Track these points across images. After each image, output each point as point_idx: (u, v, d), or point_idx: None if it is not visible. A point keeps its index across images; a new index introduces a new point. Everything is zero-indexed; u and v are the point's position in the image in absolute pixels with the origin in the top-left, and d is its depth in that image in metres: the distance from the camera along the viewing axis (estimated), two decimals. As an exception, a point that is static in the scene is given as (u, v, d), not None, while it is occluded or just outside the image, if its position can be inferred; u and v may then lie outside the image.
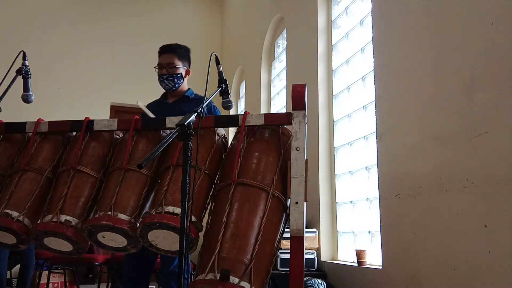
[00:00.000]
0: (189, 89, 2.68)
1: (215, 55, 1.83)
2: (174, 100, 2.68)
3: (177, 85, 2.57)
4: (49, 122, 1.99)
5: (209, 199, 1.78)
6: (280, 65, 5.45)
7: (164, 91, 2.68)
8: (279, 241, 1.65)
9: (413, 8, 2.78)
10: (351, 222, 3.54)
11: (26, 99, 2.16)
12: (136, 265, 2.42)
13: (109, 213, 1.70)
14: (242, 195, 1.63)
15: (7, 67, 2.07)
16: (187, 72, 2.63)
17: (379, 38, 3.12)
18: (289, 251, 1.61)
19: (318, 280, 3.26)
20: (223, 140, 1.90)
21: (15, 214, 1.79)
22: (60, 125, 1.98)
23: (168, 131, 1.94)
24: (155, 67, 2.60)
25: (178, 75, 2.56)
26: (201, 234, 1.68)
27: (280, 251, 3.35)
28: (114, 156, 1.92)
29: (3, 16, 6.67)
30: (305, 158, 1.67)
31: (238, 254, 1.52)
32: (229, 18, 7.58)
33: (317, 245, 3.63)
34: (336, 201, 3.75)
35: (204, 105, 1.68)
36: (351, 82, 3.74)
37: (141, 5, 7.45)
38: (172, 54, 2.57)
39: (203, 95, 1.68)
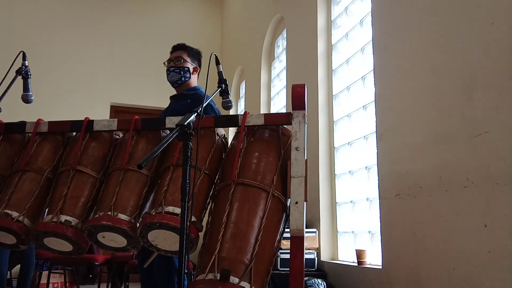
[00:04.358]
0: (194, 87, 2.66)
1: (215, 55, 1.83)
2: (173, 96, 2.69)
3: (183, 79, 2.59)
4: (49, 122, 1.99)
5: (209, 199, 1.78)
6: (280, 65, 5.45)
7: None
8: (279, 241, 1.65)
9: (413, 8, 2.78)
10: (351, 222, 3.54)
11: (26, 99, 2.16)
12: None
13: (109, 213, 1.70)
14: (242, 195, 1.63)
15: (7, 67, 2.07)
16: (195, 69, 2.65)
17: (379, 38, 3.12)
18: (289, 251, 1.61)
19: (318, 280, 3.26)
20: (223, 140, 1.89)
21: (15, 214, 1.79)
22: (60, 125, 1.98)
23: (168, 131, 1.94)
24: (164, 63, 2.64)
25: (185, 68, 2.59)
26: (201, 234, 1.68)
27: (280, 251, 3.35)
28: (114, 156, 1.92)
29: (3, 16, 6.67)
30: (305, 158, 1.67)
31: (238, 254, 1.52)
32: (229, 18, 7.58)
33: (317, 245, 3.63)
34: (336, 201, 3.75)
35: (204, 104, 1.68)
36: (351, 82, 3.74)
37: (141, 5, 7.45)
38: (181, 50, 2.65)
39: (203, 93, 1.68)
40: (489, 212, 2.08)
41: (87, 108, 6.36)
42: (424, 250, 2.49)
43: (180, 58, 2.60)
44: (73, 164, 1.86)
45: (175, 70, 2.58)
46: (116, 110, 6.99)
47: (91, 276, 5.49)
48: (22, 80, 2.15)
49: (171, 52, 2.67)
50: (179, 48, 2.65)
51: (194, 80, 2.66)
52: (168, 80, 2.62)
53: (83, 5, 7.14)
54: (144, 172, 1.81)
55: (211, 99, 2.54)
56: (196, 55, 2.69)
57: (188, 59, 2.62)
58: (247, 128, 1.78)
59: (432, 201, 2.45)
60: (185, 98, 2.58)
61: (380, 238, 2.89)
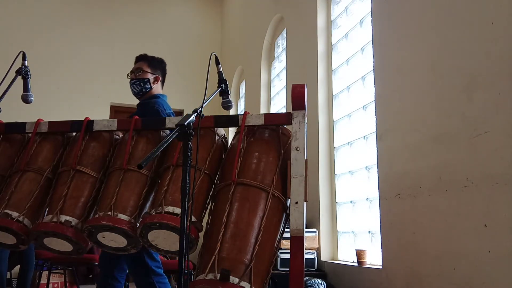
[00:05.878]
0: (155, 95, 2.61)
1: (215, 55, 1.83)
2: (137, 106, 2.68)
3: (143, 90, 2.60)
4: (49, 122, 1.99)
5: (209, 199, 1.78)
6: (280, 65, 5.45)
7: None
8: (279, 241, 1.65)
9: (413, 8, 2.78)
10: (351, 222, 3.54)
11: (26, 99, 2.16)
12: None
13: (109, 213, 1.70)
14: (242, 195, 1.63)
15: (7, 67, 2.07)
16: (156, 79, 2.64)
17: (379, 38, 3.12)
18: (289, 251, 1.61)
19: (318, 280, 3.26)
20: (223, 140, 1.90)
21: (15, 214, 1.79)
22: (60, 125, 1.98)
23: (168, 131, 1.94)
24: (127, 75, 2.65)
25: (145, 79, 2.59)
26: (201, 234, 1.68)
27: (280, 251, 3.35)
28: (114, 156, 1.92)
29: (3, 16, 6.67)
30: (305, 158, 1.67)
31: (238, 254, 1.52)
32: (229, 18, 7.58)
33: (317, 245, 3.63)
34: (336, 201, 3.75)
35: (207, 103, 1.68)
36: (351, 82, 3.74)
37: (141, 5, 7.45)
38: (142, 61, 2.65)
39: (203, 97, 1.67)
40: (489, 212, 2.08)
41: (87, 108, 6.36)
42: (424, 250, 2.49)
43: (140, 69, 2.61)
44: (73, 164, 1.86)
45: (135, 83, 2.59)
46: (116, 110, 7.00)
47: (91, 276, 5.49)
48: (22, 80, 2.14)
49: (135, 63, 2.67)
50: (139, 59, 2.66)
51: (156, 89, 2.64)
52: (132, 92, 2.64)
53: (83, 5, 7.14)
54: (144, 172, 1.81)
55: (166, 102, 2.54)
56: (157, 64, 2.67)
57: (149, 70, 2.62)
58: (247, 128, 1.78)
59: (432, 201, 2.45)
60: (139, 106, 2.61)
61: (380, 238, 2.89)
